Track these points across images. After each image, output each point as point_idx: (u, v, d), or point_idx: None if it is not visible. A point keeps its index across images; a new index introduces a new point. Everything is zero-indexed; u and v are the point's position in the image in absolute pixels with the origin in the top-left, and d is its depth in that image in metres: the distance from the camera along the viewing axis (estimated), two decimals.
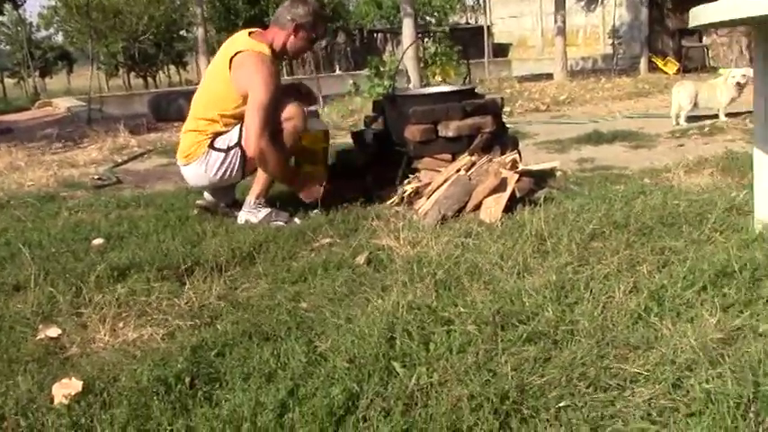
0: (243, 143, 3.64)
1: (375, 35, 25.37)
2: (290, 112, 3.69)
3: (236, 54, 3.65)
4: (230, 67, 3.64)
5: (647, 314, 2.08)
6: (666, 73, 14.11)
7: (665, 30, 15.83)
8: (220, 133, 3.70)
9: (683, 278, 2.27)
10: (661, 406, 1.64)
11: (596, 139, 6.11)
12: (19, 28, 22.49)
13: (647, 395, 1.67)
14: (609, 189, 3.64)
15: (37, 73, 23.23)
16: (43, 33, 24.87)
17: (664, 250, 2.59)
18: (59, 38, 25.12)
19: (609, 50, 18.28)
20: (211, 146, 3.70)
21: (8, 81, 23.47)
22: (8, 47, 23.57)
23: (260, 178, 3.70)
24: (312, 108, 4.05)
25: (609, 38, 18.59)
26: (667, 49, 15.72)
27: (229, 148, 3.68)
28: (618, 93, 10.44)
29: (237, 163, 3.71)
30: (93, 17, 18.82)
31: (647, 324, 2.03)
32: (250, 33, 3.80)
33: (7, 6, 21.11)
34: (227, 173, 3.73)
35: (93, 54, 14.50)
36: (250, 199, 3.71)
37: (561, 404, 1.65)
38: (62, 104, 14.88)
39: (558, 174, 4.12)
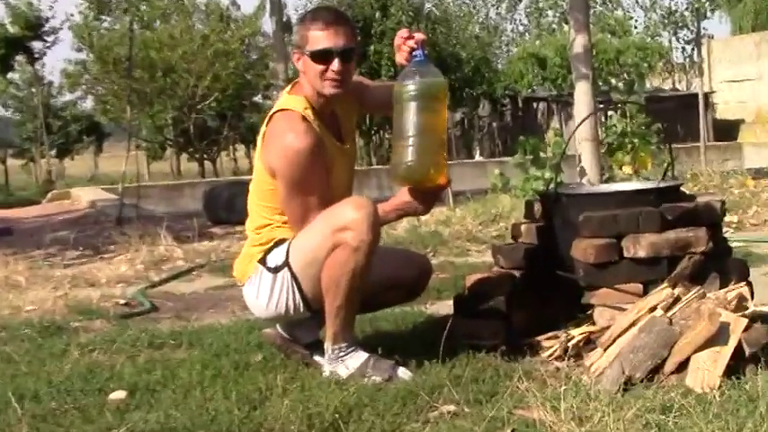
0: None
1: (535, 105, 25.74)
2: (348, 216, 3.50)
3: (268, 122, 3.79)
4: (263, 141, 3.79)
5: None
6: None
7: None
8: (280, 241, 3.72)
9: None
10: None
11: None
12: (33, 90, 22.91)
13: None
14: None
15: (53, 152, 23.94)
16: (67, 97, 25.75)
17: None
18: (88, 104, 25.83)
19: None
20: (262, 261, 3.73)
21: (13, 162, 24.14)
22: (18, 115, 24.15)
23: (331, 312, 3.58)
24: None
25: None
26: None
27: (277, 269, 3.66)
28: None
29: (290, 290, 3.65)
30: (136, 76, 19.29)
31: None
32: (293, 86, 3.91)
33: (20, 59, 21.53)
34: (283, 303, 3.69)
35: (132, 127, 15.29)
36: (327, 344, 3.67)
37: None
38: (84, 197, 15.62)
39: None
